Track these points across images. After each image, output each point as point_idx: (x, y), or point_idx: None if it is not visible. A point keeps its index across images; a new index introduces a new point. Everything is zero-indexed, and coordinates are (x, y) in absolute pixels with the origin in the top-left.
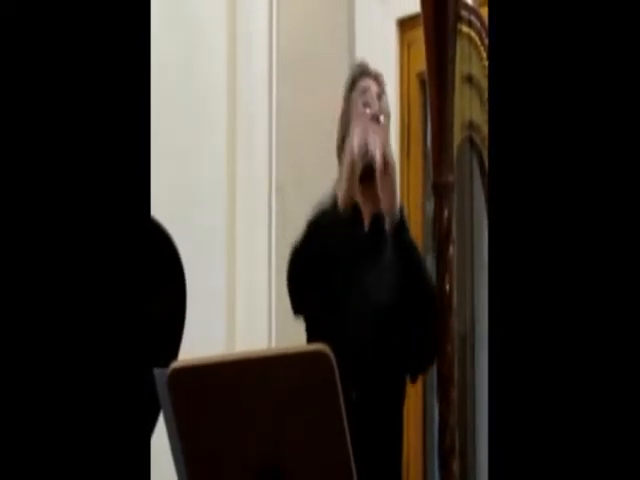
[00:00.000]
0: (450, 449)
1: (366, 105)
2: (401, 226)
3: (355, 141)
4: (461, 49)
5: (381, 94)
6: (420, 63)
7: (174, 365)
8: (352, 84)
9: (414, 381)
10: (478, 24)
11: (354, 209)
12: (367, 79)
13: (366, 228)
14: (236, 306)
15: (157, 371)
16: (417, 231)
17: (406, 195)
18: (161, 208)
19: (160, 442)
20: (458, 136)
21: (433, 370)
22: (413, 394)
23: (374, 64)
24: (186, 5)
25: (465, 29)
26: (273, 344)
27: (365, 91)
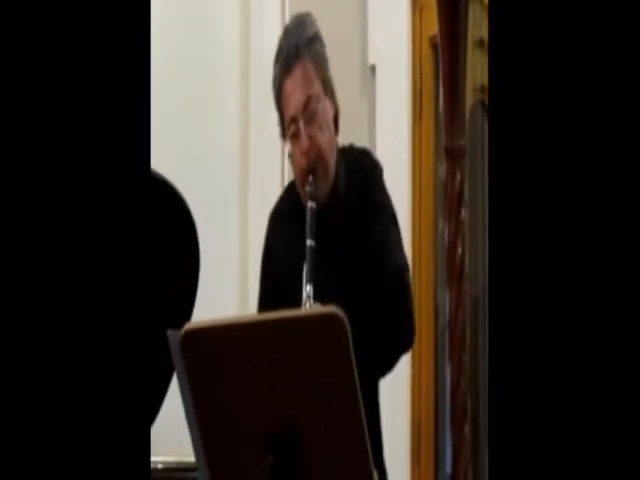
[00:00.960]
0: (462, 412)
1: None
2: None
3: (294, 162)
4: (473, 13)
5: (308, 75)
6: (432, 27)
7: (187, 327)
8: (279, 89)
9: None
10: None
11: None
12: (291, 80)
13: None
14: (249, 273)
15: (171, 332)
16: (429, 195)
17: (418, 159)
18: (174, 176)
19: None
20: (470, 100)
21: (445, 333)
22: (425, 357)
23: (386, 28)
24: (200, 4)
25: None
26: None
27: (292, 122)
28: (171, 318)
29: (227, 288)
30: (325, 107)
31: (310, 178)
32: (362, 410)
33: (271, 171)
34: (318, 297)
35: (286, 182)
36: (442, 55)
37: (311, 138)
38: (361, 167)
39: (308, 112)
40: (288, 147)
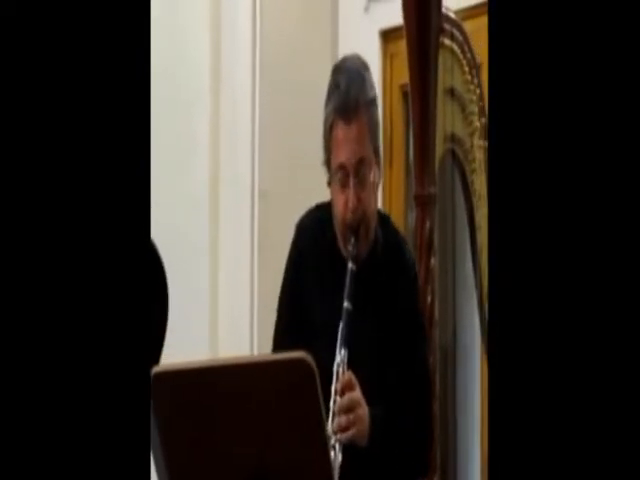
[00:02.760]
0: (431, 462)
1: (343, 187)
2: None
3: (337, 209)
4: (443, 62)
5: (361, 133)
6: (403, 75)
7: (155, 370)
8: (329, 132)
9: None
10: (461, 37)
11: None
12: (344, 129)
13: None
14: (219, 310)
15: None
16: None
17: (388, 206)
18: None
19: None
20: (440, 148)
21: None
22: None
23: None
24: (170, 13)
25: (448, 42)
26: (255, 348)
27: (340, 169)
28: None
29: (197, 330)
30: (374, 178)
31: (353, 240)
32: (329, 451)
33: (241, 218)
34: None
35: (256, 226)
36: (412, 103)
37: (359, 200)
38: (388, 232)
39: (361, 173)
40: (332, 190)
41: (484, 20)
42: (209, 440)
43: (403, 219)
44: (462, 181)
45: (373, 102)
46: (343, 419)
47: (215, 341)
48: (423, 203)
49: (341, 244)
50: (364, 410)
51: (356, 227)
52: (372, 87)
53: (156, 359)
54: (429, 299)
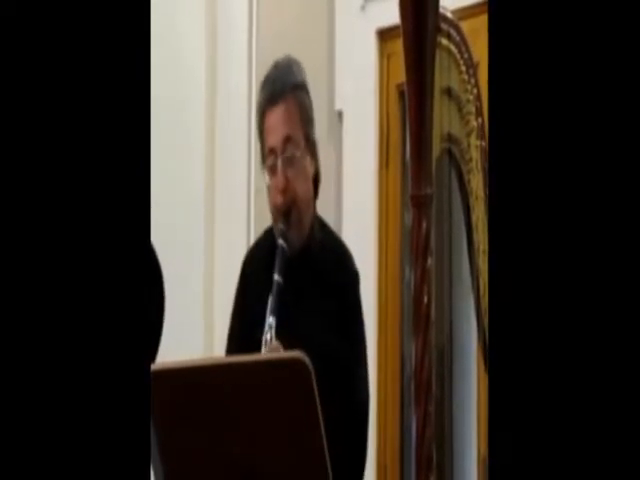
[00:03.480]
0: (427, 462)
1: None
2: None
3: (269, 197)
4: (440, 62)
5: (290, 115)
6: (400, 74)
7: (152, 367)
8: (261, 120)
9: None
10: (458, 37)
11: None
12: (273, 113)
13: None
14: (214, 311)
15: None
16: (395, 243)
17: (385, 206)
18: None
19: None
20: (437, 148)
21: (411, 382)
22: (391, 406)
23: (354, 75)
24: (166, 11)
25: (445, 42)
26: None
27: (270, 153)
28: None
29: (192, 329)
30: (305, 161)
31: (282, 219)
32: (326, 451)
33: (237, 216)
34: (283, 335)
35: (252, 223)
36: (409, 103)
37: (287, 179)
38: (329, 234)
39: (287, 152)
40: (266, 178)
41: (481, 20)
42: (205, 438)
43: (399, 219)
44: (459, 181)
45: (301, 86)
46: None
47: (210, 340)
48: (419, 203)
49: (274, 229)
50: None
51: (286, 209)
52: (300, 74)
53: (152, 358)
54: (425, 300)
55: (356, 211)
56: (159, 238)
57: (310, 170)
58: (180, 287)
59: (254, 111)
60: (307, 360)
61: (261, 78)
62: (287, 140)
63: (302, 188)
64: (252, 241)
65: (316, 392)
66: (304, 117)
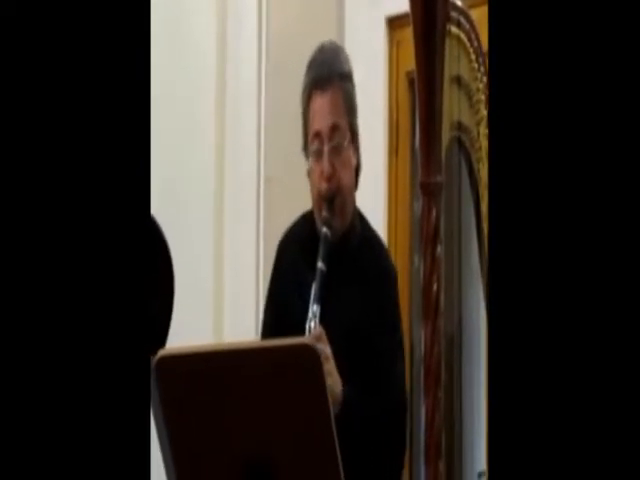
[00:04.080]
0: (436, 448)
1: (318, 154)
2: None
3: (313, 182)
4: (450, 50)
5: (336, 103)
6: (409, 62)
7: (161, 353)
8: (306, 103)
9: None
10: (467, 26)
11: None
12: (320, 97)
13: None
14: (224, 299)
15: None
16: (405, 231)
17: (394, 194)
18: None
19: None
20: (446, 136)
21: (420, 369)
22: None
23: (363, 62)
24: (176, 6)
25: (454, 30)
26: (260, 334)
27: (316, 137)
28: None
29: (201, 317)
30: (350, 151)
31: (326, 206)
32: (335, 438)
33: (246, 205)
34: (324, 322)
35: (261, 212)
36: (418, 91)
37: (333, 167)
38: (367, 227)
39: (334, 141)
40: (309, 163)
41: None
42: (213, 424)
43: (409, 208)
44: (468, 169)
45: (348, 77)
46: None
47: (220, 327)
48: (429, 192)
49: (316, 215)
50: (335, 376)
51: (331, 196)
52: (347, 62)
53: (161, 343)
54: (435, 287)
55: (365, 199)
56: (167, 225)
57: (353, 161)
58: (189, 274)
59: (264, 98)
60: (316, 346)
61: (271, 66)
62: (334, 128)
63: (346, 177)
64: (261, 230)
65: (325, 378)
66: (349, 107)
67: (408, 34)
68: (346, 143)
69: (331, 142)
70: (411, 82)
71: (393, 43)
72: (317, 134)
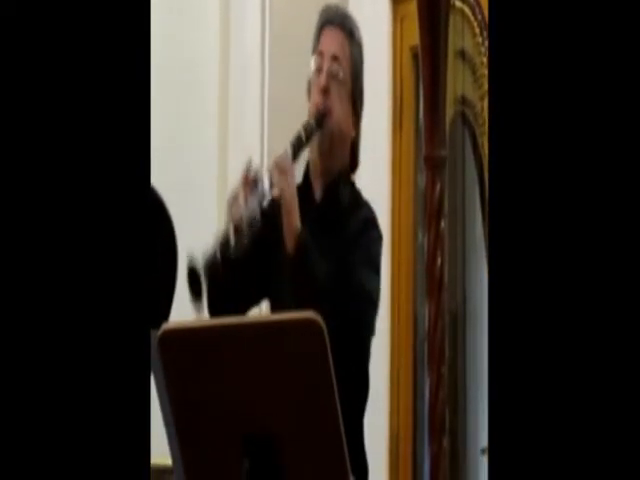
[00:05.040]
0: (440, 424)
1: (318, 71)
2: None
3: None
4: (454, 24)
5: (343, 45)
6: (413, 37)
7: (165, 326)
8: (317, 38)
9: None
10: (471, 0)
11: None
12: (329, 30)
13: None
14: None
15: (153, 332)
16: (409, 205)
17: (398, 169)
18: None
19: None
20: (450, 111)
21: (424, 346)
22: (404, 368)
23: (367, 37)
24: None
25: (458, 4)
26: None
27: (319, 55)
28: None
29: None
30: (346, 89)
31: (315, 119)
32: (339, 414)
33: None
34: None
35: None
36: (422, 65)
37: (329, 85)
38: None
39: (334, 68)
40: (310, 75)
41: None
42: (217, 397)
43: (413, 182)
44: (472, 144)
45: (358, 39)
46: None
47: None
48: (433, 165)
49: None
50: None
51: (320, 115)
52: (357, 29)
53: (165, 316)
54: (439, 262)
55: (370, 174)
56: (173, 202)
57: (351, 125)
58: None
59: (267, 81)
60: (320, 319)
61: (275, 44)
62: (336, 59)
63: (340, 112)
64: None
65: (329, 352)
66: (355, 72)
67: (412, 9)
68: (343, 76)
69: (330, 67)
70: (415, 57)
71: (397, 18)
72: (320, 53)
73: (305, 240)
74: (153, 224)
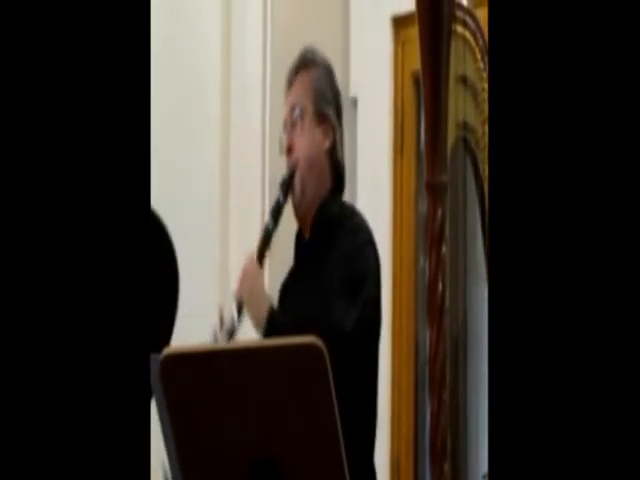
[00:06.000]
0: (441, 450)
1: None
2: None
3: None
4: (456, 49)
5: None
6: (415, 61)
7: (167, 351)
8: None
9: None
10: (473, 25)
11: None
12: (300, 76)
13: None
14: (228, 298)
15: (153, 356)
16: (410, 230)
17: (399, 194)
18: (154, 202)
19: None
20: (452, 136)
21: (425, 371)
22: (405, 393)
23: (368, 62)
24: (182, 3)
25: (460, 30)
26: None
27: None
28: (150, 343)
29: (207, 321)
30: (313, 129)
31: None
32: (341, 439)
33: (251, 204)
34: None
35: (267, 209)
36: (424, 90)
37: (292, 140)
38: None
39: (293, 118)
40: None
41: None
42: (219, 423)
43: (414, 207)
44: (474, 169)
45: (315, 63)
46: None
47: None
48: (434, 191)
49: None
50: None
51: (291, 168)
52: (322, 57)
53: (166, 341)
54: (440, 287)
55: (371, 198)
56: (172, 213)
57: (320, 139)
58: (195, 278)
59: (269, 98)
60: (321, 345)
61: (276, 63)
62: (293, 108)
63: (306, 151)
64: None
65: (331, 377)
66: (316, 91)
67: (414, 33)
68: (306, 120)
69: (290, 119)
70: (416, 82)
71: (398, 42)
72: (285, 120)
73: (273, 327)
74: (153, 246)
